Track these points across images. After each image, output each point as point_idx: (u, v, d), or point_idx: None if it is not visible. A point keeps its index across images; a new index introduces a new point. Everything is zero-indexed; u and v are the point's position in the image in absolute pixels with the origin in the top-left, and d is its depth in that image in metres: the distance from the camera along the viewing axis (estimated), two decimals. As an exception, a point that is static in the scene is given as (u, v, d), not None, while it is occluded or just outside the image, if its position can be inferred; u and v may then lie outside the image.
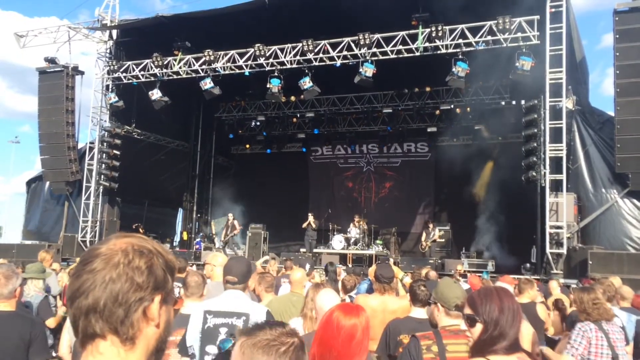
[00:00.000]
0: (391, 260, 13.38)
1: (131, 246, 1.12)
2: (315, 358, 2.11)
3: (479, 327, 2.04)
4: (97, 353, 1.07)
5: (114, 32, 18.05)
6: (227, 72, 16.33)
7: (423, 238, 16.96)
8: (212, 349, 3.10)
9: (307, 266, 6.35)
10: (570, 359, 4.09)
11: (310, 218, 17.53)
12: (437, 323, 3.12)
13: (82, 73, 18.22)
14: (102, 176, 17.65)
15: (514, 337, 2.01)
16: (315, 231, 17.61)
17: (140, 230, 18.80)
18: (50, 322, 5.37)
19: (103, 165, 17.66)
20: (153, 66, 16.81)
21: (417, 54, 14.15)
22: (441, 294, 3.10)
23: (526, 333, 4.07)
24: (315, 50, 14.89)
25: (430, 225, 16.95)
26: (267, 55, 15.42)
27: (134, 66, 17.35)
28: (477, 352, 2.04)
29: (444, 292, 3.10)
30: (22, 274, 5.09)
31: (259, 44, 15.28)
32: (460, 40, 13.60)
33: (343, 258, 15.99)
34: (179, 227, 22.15)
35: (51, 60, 17.81)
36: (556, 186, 12.91)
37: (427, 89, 18.76)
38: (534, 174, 13.31)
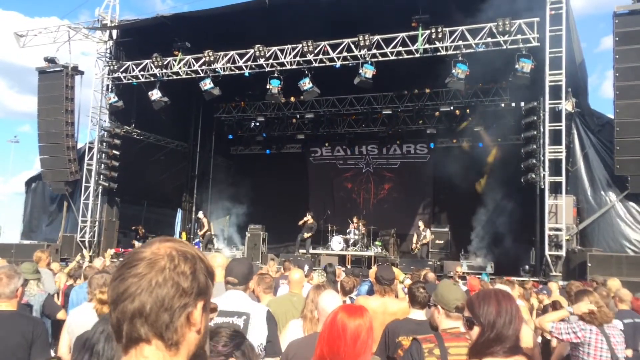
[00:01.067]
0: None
1: (175, 251, 1.11)
2: (324, 359, 2.14)
3: (476, 329, 2.06)
4: (141, 357, 1.07)
5: (114, 32, 18.06)
6: (226, 72, 16.34)
7: (414, 240, 16.99)
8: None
9: (306, 267, 6.34)
10: (549, 326, 4.15)
11: (309, 217, 17.45)
12: (437, 325, 3.11)
13: (81, 73, 18.23)
14: (102, 176, 17.65)
15: (513, 340, 2.01)
16: (311, 229, 17.48)
17: (140, 231, 18.80)
18: (62, 315, 5.38)
19: (102, 165, 17.66)
20: (153, 66, 16.81)
21: (417, 55, 14.17)
22: (441, 296, 3.10)
23: (526, 336, 4.07)
24: (315, 51, 14.90)
25: (421, 226, 16.93)
26: (267, 56, 15.43)
27: (134, 66, 17.35)
28: (474, 355, 2.06)
29: (444, 294, 3.10)
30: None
31: (258, 45, 15.28)
32: (460, 42, 13.62)
33: (342, 259, 15.99)
34: (178, 227, 22.16)
35: (51, 60, 17.80)
36: (555, 188, 12.93)
37: (427, 90, 18.78)
38: (534, 176, 13.33)
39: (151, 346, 1.07)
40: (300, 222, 17.48)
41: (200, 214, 18.72)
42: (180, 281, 1.08)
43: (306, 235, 17.30)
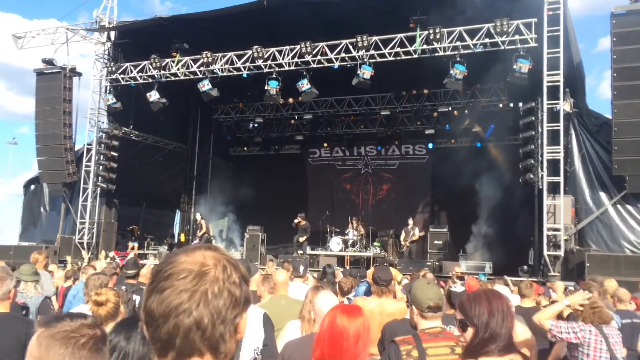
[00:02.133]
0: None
1: (224, 260, 1.09)
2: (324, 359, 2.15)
3: (470, 330, 2.06)
4: None
5: (112, 34, 18.04)
6: (225, 73, 16.32)
7: (402, 237, 16.98)
8: None
9: (301, 268, 6.31)
10: (549, 323, 4.13)
11: (299, 219, 17.38)
12: (416, 325, 3.10)
13: (79, 74, 18.20)
14: (100, 178, 17.63)
15: (507, 338, 2.03)
16: (305, 230, 17.44)
17: (136, 231, 18.78)
18: None
19: (100, 167, 17.64)
20: (151, 68, 16.79)
21: (415, 56, 14.17)
22: (414, 296, 3.06)
23: (524, 337, 4.06)
24: (314, 52, 14.89)
25: (410, 224, 16.93)
26: (265, 57, 15.42)
27: (132, 68, 17.33)
28: (469, 355, 2.06)
29: (416, 294, 3.06)
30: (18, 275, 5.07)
31: (257, 46, 15.28)
32: (458, 43, 13.62)
33: (341, 260, 15.98)
34: (176, 228, 22.15)
35: (49, 62, 17.78)
36: (554, 188, 12.93)
37: (425, 91, 18.77)
38: (532, 176, 13.34)
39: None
40: (293, 225, 17.43)
41: (198, 216, 18.70)
42: (233, 290, 1.05)
43: (301, 239, 17.23)
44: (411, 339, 2.83)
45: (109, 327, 3.33)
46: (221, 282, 1.04)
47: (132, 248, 17.90)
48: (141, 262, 9.50)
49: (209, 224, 18.76)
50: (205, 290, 1.02)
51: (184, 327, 1.01)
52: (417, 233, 16.74)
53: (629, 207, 12.78)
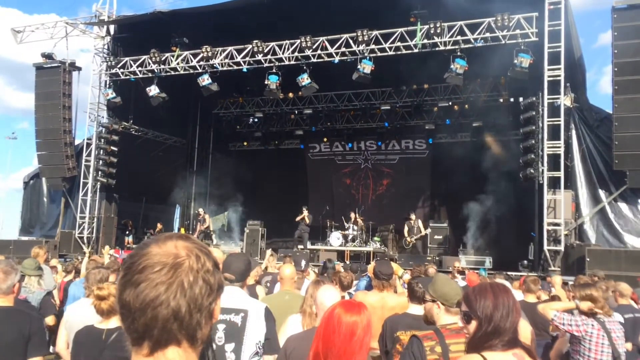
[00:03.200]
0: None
1: (196, 249, 1.10)
2: (319, 354, 2.10)
3: (474, 323, 2.05)
4: (163, 358, 1.05)
5: (112, 28, 17.98)
6: (225, 68, 16.28)
7: (405, 231, 16.96)
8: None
9: (303, 262, 6.31)
10: (552, 313, 4.19)
11: (305, 212, 17.46)
12: (434, 321, 3.06)
13: (79, 69, 18.15)
14: (100, 172, 17.61)
15: (511, 333, 2.00)
16: (308, 226, 17.51)
17: (130, 226, 18.78)
18: (50, 320, 5.33)
19: (100, 162, 17.62)
20: (150, 62, 16.75)
21: (416, 50, 14.13)
22: (441, 292, 3.05)
23: (524, 331, 4.07)
24: (314, 47, 14.85)
25: (413, 217, 16.94)
26: (265, 51, 15.38)
27: (132, 62, 17.28)
28: (472, 349, 2.04)
29: (444, 289, 3.05)
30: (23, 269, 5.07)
31: (257, 40, 15.23)
32: (459, 37, 13.58)
33: (341, 255, 15.99)
34: (176, 223, 22.17)
35: (48, 56, 17.72)
36: (554, 183, 12.93)
37: (425, 86, 18.76)
38: (532, 171, 13.32)
39: (180, 348, 1.05)
40: (298, 218, 17.47)
41: (201, 210, 18.70)
42: (207, 278, 1.07)
43: (305, 233, 17.27)
44: (434, 335, 2.80)
45: (111, 321, 3.34)
46: (196, 271, 1.06)
47: (128, 242, 17.89)
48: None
49: (210, 219, 18.78)
50: (182, 281, 1.03)
51: (162, 318, 1.02)
52: (421, 226, 16.72)
53: (629, 202, 12.78)
